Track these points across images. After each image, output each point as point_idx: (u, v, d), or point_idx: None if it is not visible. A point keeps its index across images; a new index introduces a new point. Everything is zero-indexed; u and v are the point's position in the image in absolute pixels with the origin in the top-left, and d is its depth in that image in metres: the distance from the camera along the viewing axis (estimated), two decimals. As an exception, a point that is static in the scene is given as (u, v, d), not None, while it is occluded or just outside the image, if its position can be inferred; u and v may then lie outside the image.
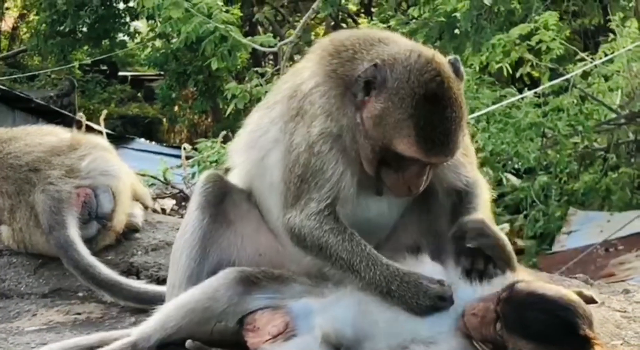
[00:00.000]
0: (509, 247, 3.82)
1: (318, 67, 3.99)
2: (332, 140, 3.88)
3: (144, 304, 5.11)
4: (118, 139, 22.29)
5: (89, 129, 8.54)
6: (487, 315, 3.54)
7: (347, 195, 3.93)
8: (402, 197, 3.99)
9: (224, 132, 11.14)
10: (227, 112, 15.23)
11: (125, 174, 5.99)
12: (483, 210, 4.12)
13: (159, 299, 4.77)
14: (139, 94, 37.82)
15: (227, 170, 4.62)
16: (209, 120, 33.46)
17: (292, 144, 3.95)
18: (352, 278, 3.84)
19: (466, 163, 4.14)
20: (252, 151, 4.27)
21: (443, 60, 3.84)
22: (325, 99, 3.91)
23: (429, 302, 3.71)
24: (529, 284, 3.65)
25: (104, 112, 8.82)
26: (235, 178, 4.45)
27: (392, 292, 3.76)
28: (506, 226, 7.87)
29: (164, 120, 35.04)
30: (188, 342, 3.95)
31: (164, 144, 27.32)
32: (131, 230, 6.01)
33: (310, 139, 3.89)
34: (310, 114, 3.92)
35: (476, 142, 16.55)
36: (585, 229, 15.71)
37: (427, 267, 3.85)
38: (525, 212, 17.37)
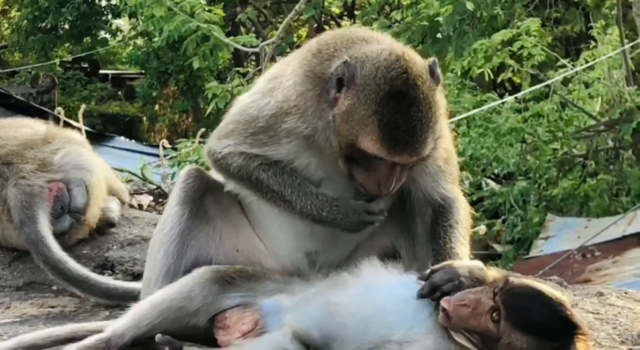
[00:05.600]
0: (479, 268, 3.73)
1: (299, 66, 3.96)
2: (301, 139, 3.90)
3: (114, 300, 5.09)
4: (98, 137, 22.20)
5: (68, 126, 8.45)
6: (479, 306, 3.51)
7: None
8: (374, 195, 3.93)
9: (202, 129, 11.09)
10: (207, 112, 15.17)
11: (100, 168, 5.91)
12: (461, 229, 4.10)
13: (129, 296, 4.75)
14: (119, 93, 37.70)
15: (207, 168, 4.58)
16: (190, 119, 33.41)
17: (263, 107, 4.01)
18: (285, 207, 3.97)
19: (447, 173, 4.10)
20: None
21: (416, 60, 3.79)
22: (300, 99, 3.89)
23: (359, 217, 3.89)
24: (520, 279, 3.68)
25: (83, 106, 8.69)
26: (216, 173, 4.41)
27: (324, 218, 3.90)
28: (483, 227, 7.84)
29: (144, 119, 34.96)
30: (158, 337, 3.91)
31: (144, 143, 27.22)
32: (107, 224, 5.96)
33: (278, 126, 3.93)
34: (283, 105, 3.94)
35: (456, 146, 16.62)
36: (562, 235, 15.79)
37: (403, 276, 3.83)
38: (503, 217, 17.46)
